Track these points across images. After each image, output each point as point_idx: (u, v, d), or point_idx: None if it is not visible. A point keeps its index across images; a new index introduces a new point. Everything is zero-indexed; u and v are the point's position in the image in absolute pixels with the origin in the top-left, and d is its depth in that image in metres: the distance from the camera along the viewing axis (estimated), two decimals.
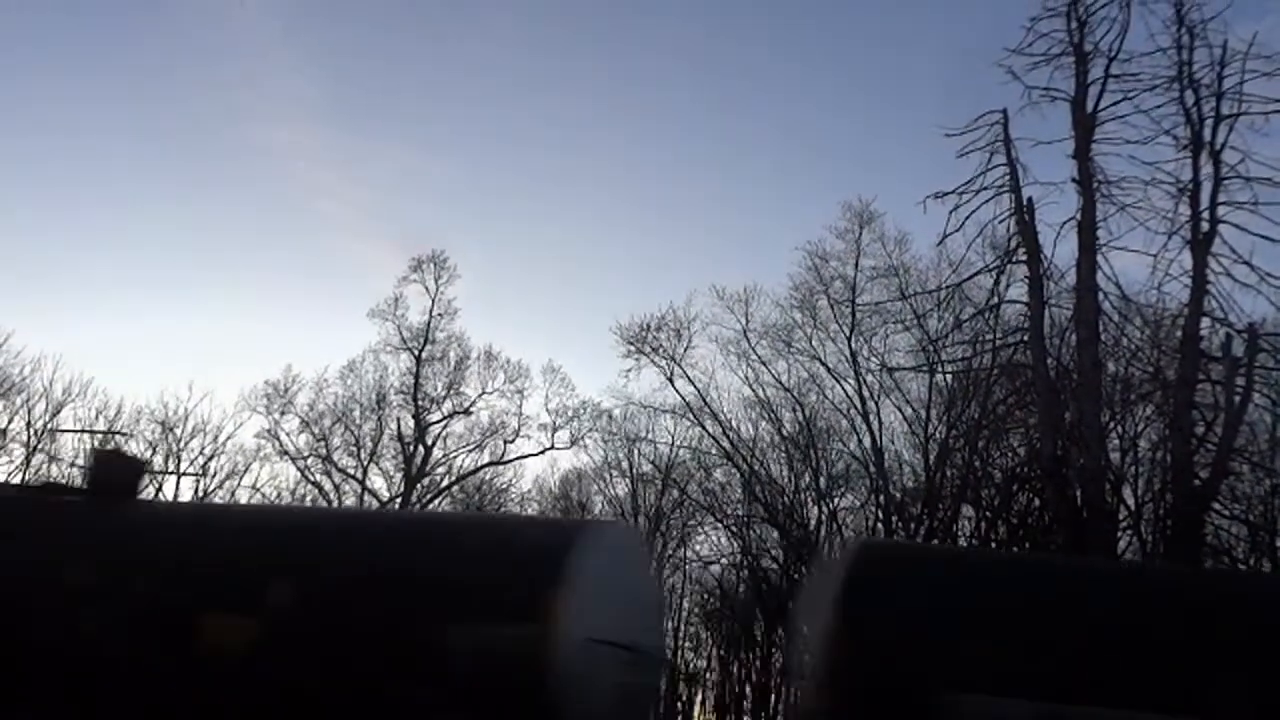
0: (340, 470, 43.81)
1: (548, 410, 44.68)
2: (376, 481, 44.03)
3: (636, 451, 46.29)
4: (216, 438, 43.15)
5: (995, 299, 25.81)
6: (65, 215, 72.70)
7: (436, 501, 43.68)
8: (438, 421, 44.14)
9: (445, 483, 44.95)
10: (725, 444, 38.90)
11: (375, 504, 42.29)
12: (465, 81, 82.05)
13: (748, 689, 50.76)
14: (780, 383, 38.34)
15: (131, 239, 74.48)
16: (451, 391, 44.34)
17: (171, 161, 74.13)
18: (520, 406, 44.72)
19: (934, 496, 33.10)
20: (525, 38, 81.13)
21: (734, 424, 39.50)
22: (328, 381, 44.50)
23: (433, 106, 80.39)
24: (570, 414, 44.60)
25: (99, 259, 74.27)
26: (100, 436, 38.34)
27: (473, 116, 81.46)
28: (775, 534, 40.33)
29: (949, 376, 33.14)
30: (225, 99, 75.13)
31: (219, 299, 74.13)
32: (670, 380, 38.92)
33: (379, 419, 44.24)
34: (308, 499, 43.06)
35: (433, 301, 44.33)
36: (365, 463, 43.93)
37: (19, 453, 39.67)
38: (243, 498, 42.51)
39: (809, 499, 38.95)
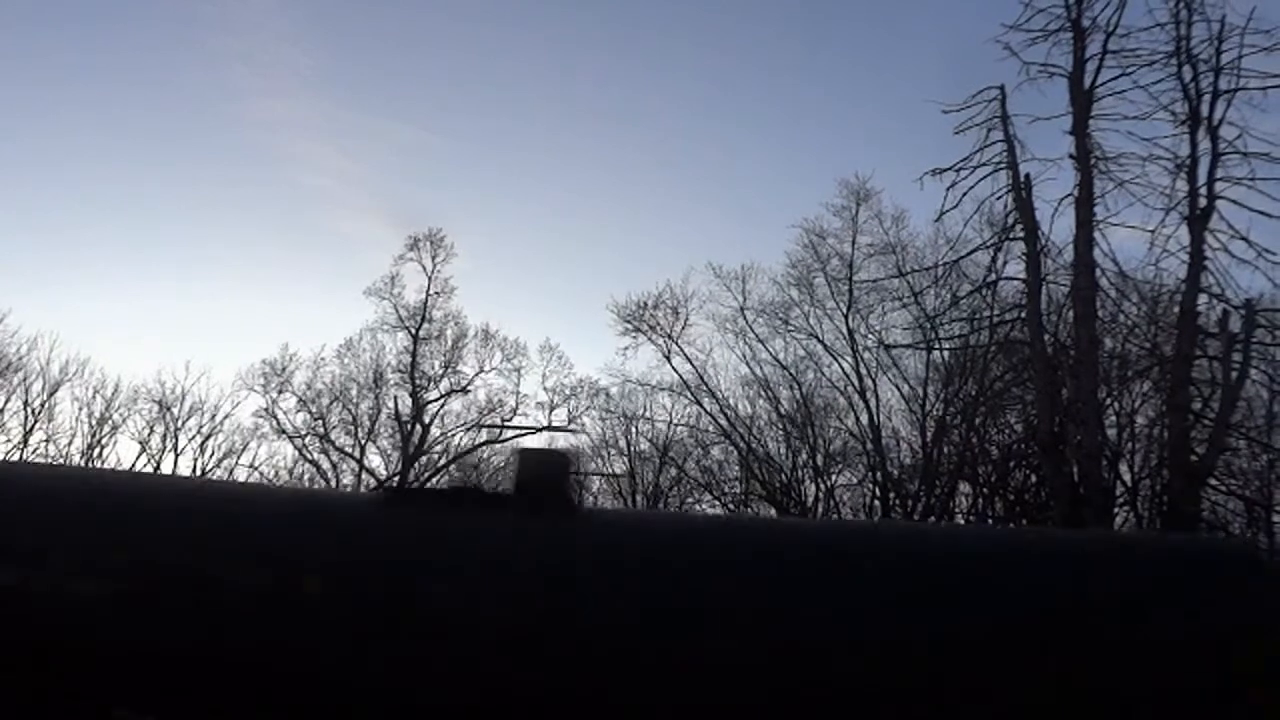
0: (338, 449, 43.90)
1: (545, 388, 44.75)
2: (374, 460, 44.13)
3: (634, 429, 46.37)
4: (214, 417, 43.27)
5: (992, 275, 25.83)
6: (59, 193, 72.41)
7: (434, 480, 43.73)
8: (435, 400, 44.20)
9: (443, 461, 45.02)
10: (723, 422, 38.95)
11: (373, 482, 42.35)
12: (462, 56, 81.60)
13: None
14: (777, 360, 38.37)
15: (125, 216, 74.15)
16: (449, 370, 44.38)
17: (165, 136, 73.59)
18: (517, 385, 44.75)
19: (931, 473, 33.15)
20: (523, 12, 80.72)
21: (731, 402, 39.55)
22: (325, 360, 44.56)
23: (429, 81, 79.93)
24: (568, 392, 44.71)
25: (93, 237, 73.98)
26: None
27: (470, 92, 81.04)
28: (773, 511, 40.41)
29: (946, 353, 33.17)
30: (219, 72, 74.58)
31: (214, 276, 74.01)
32: (667, 358, 38.99)
33: (376, 397, 44.33)
34: (305, 478, 43.17)
35: (429, 280, 44.34)
36: (363, 441, 44.03)
37: (16, 431, 39.74)
38: (240, 476, 42.60)
39: (806, 476, 39.01)
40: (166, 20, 72.83)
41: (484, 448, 45.94)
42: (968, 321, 29.30)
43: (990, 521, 30.54)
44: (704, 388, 38.86)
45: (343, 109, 78.53)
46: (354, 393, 44.44)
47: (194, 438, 42.95)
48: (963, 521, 32.05)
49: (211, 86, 72.95)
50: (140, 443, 42.32)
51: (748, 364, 38.82)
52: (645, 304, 39.13)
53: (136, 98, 73.47)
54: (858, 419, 36.35)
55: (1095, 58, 23.54)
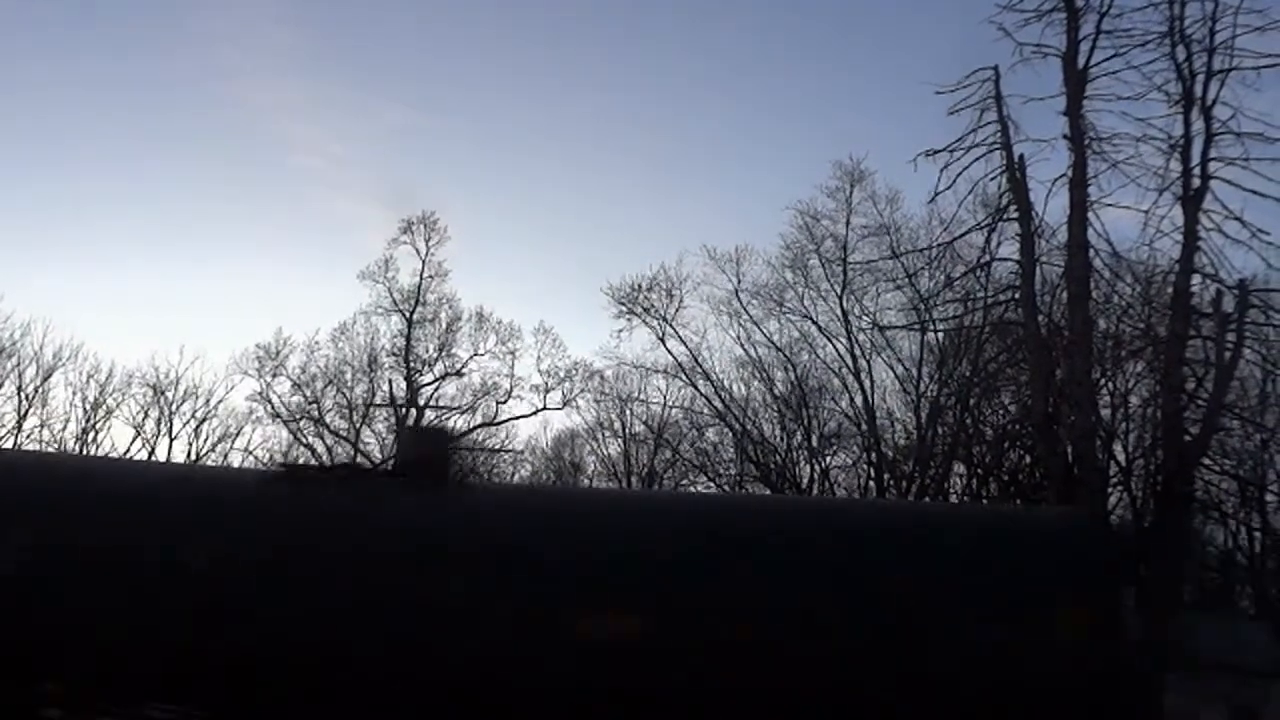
0: (333, 432, 43.86)
1: (540, 371, 44.65)
2: (369, 443, 44.11)
3: (629, 412, 46.39)
4: (208, 401, 43.23)
5: (986, 257, 25.80)
6: (48, 177, 72.12)
7: None
8: (430, 383, 44.15)
9: None
10: (717, 404, 39.00)
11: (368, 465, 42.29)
12: (452, 34, 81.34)
13: None
14: (772, 342, 38.44)
15: (116, 200, 73.85)
16: (443, 353, 44.32)
17: (154, 118, 73.19)
18: (512, 368, 44.66)
19: (925, 454, 33.25)
20: None
21: (726, 384, 39.60)
22: (319, 344, 44.43)
23: (419, 59, 79.68)
24: (562, 375, 44.57)
25: (84, 221, 73.68)
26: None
27: (460, 71, 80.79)
28: (768, 493, 40.53)
29: (940, 334, 33.24)
30: (207, 53, 74.23)
31: (207, 259, 73.84)
32: (662, 340, 38.99)
33: (371, 381, 44.26)
34: (300, 461, 43.12)
35: (423, 263, 44.21)
36: (357, 425, 43.96)
37: (10, 417, 39.72)
38: (235, 460, 42.64)
39: (801, 458, 39.11)
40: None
41: (478, 431, 45.99)
42: (962, 303, 29.34)
43: (985, 502, 30.65)
44: (699, 370, 38.95)
45: (332, 89, 78.25)
46: (348, 376, 44.43)
47: (188, 422, 42.94)
48: (957, 502, 32.15)
49: (200, 67, 72.78)
50: (135, 427, 42.33)
51: (742, 346, 38.94)
52: (639, 286, 39.16)
53: (125, 78, 73.17)
54: (852, 400, 36.48)
55: (1089, 38, 23.48)
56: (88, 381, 41.66)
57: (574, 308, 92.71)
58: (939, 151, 24.73)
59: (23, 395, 39.95)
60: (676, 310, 38.97)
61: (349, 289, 55.27)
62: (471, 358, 44.46)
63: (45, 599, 8.75)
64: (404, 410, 43.17)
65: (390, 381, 43.96)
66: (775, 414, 39.32)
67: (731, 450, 41.16)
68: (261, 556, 8.93)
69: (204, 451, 42.46)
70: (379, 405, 43.52)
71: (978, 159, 24.58)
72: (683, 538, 9.07)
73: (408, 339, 43.64)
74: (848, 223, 36.46)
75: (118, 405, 42.25)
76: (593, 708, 8.04)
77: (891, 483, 34.46)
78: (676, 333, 38.82)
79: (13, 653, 8.48)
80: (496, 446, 47.21)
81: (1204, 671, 22.49)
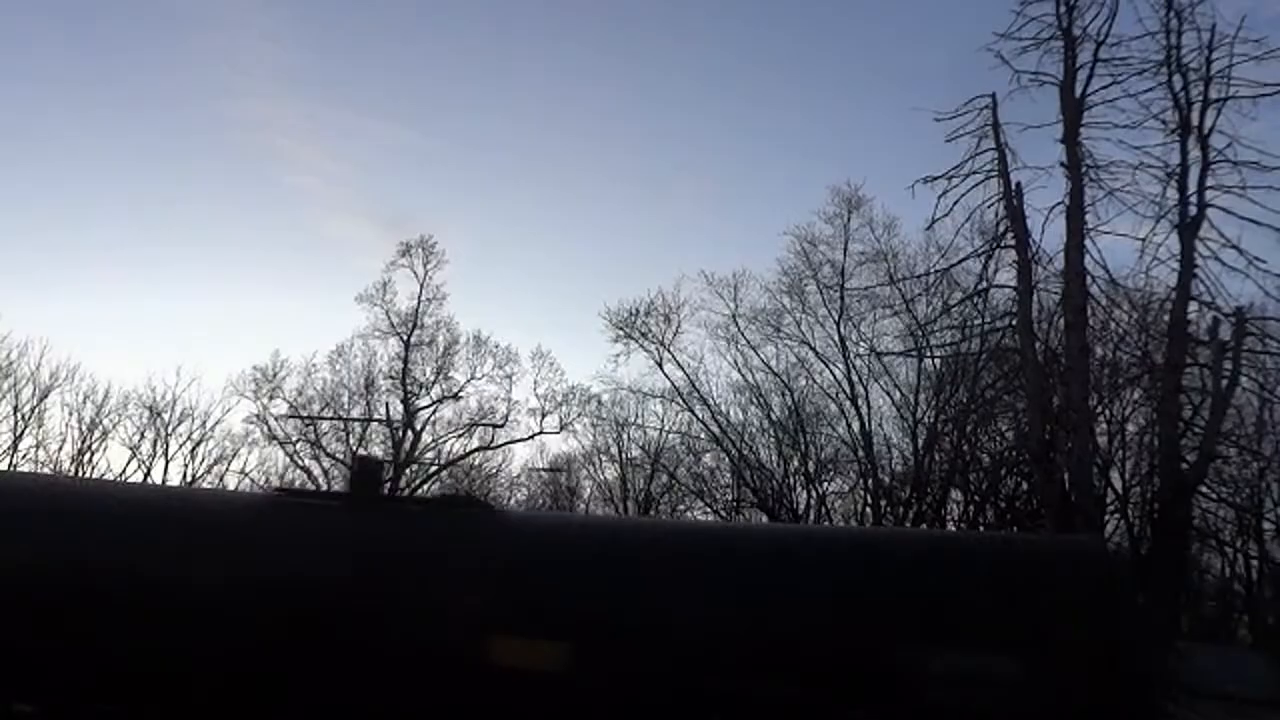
0: (329, 455, 43.81)
1: (537, 395, 44.74)
2: None
3: (626, 436, 46.35)
4: (205, 423, 43.17)
5: (983, 284, 25.83)
6: (44, 197, 72.17)
7: (425, 487, 43.67)
8: (426, 407, 44.17)
9: (434, 468, 44.94)
10: (714, 429, 38.93)
11: None
12: (450, 55, 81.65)
13: None
14: (769, 367, 38.43)
15: (113, 220, 74.08)
16: (440, 377, 44.36)
17: (150, 138, 73.60)
18: (509, 392, 44.71)
19: (922, 481, 33.18)
20: (511, 11, 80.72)
21: (723, 409, 39.55)
22: (316, 366, 44.52)
23: (416, 80, 79.95)
24: (559, 399, 44.62)
25: (81, 241, 73.88)
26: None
27: (458, 92, 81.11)
28: (764, 518, 40.41)
29: (937, 361, 33.26)
30: (201, 71, 74.48)
31: (204, 279, 73.83)
32: (659, 365, 38.98)
33: (368, 404, 44.24)
34: (296, 483, 43.05)
35: (421, 287, 44.31)
36: (354, 448, 43.87)
37: (6, 436, 39.66)
38: (231, 483, 42.55)
39: (798, 483, 39.04)
40: (147, 16, 72.76)
41: (475, 454, 45.93)
42: (959, 329, 29.34)
43: (981, 529, 30.58)
44: (696, 394, 38.90)
45: (327, 108, 78.44)
46: (345, 399, 44.43)
47: (184, 444, 42.86)
48: (954, 529, 32.06)
49: (196, 86, 73.01)
50: (131, 449, 42.24)
51: (739, 371, 38.91)
52: (637, 311, 39.21)
53: (121, 98, 73.40)
54: (849, 426, 36.43)
55: (1086, 66, 23.60)
56: (84, 402, 41.66)
57: (571, 332, 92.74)
58: (937, 178, 24.84)
59: (19, 415, 39.93)
60: (674, 335, 39.03)
61: (345, 307, 55.34)
62: (469, 381, 44.56)
63: None
64: (400, 433, 43.14)
65: (387, 404, 43.99)
66: (772, 439, 39.30)
67: (728, 475, 41.11)
68: None
69: (199, 474, 42.40)
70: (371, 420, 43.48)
71: (975, 186, 24.67)
72: None
73: (405, 362, 43.69)
74: (845, 249, 36.60)
75: (114, 426, 42.21)
76: None
77: (888, 509, 34.38)
78: (674, 357, 38.87)
79: None
80: (493, 470, 47.26)
81: (1201, 701, 22.36)
